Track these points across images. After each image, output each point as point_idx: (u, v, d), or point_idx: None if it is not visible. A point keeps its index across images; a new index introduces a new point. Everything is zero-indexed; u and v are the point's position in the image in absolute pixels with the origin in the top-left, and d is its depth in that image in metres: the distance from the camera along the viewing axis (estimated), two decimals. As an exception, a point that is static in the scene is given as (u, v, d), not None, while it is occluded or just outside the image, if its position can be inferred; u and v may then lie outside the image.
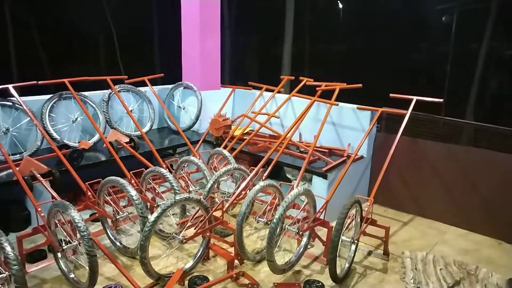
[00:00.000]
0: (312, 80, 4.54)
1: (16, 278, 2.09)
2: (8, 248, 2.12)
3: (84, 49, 8.09)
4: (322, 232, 3.20)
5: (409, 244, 3.55)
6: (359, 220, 3.08)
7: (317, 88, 4.19)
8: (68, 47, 7.64)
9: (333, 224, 2.83)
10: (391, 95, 3.79)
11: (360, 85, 3.97)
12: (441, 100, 3.78)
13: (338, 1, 16.13)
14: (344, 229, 2.82)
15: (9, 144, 3.75)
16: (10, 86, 3.58)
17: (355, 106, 4.19)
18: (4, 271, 2.19)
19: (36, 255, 3.03)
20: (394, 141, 3.47)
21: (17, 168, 3.04)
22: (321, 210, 3.10)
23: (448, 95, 11.21)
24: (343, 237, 2.82)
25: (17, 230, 3.35)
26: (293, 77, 5.00)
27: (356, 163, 4.03)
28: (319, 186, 3.75)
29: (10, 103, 3.75)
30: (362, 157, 4.19)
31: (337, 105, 3.96)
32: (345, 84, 4.13)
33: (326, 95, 4.11)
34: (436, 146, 3.93)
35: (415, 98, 3.71)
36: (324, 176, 3.72)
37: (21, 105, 3.62)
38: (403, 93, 3.77)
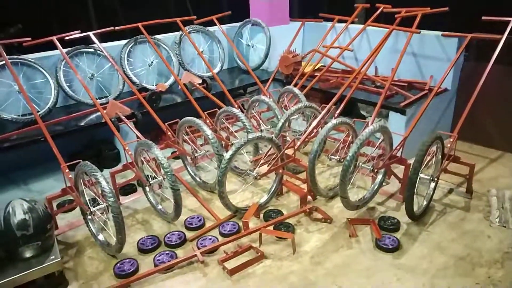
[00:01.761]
0: (390, 6, 4.14)
1: (113, 209, 2.35)
2: (104, 183, 2.37)
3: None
4: (399, 169, 3.09)
5: (496, 182, 3.30)
6: (440, 157, 2.90)
7: (396, 16, 3.82)
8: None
9: (411, 161, 2.70)
10: (483, 17, 3.33)
11: (447, 8, 3.53)
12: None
13: None
14: (423, 166, 2.69)
15: (95, 88, 4.05)
16: (91, 34, 3.78)
17: (439, 33, 3.77)
18: (102, 202, 2.48)
19: (128, 189, 3.37)
20: (484, 70, 3.11)
21: (105, 111, 3.30)
22: (398, 147, 2.96)
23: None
24: (421, 175, 2.70)
25: (109, 166, 3.72)
26: (368, 5, 4.59)
27: (439, 96, 3.72)
28: (396, 122, 3.56)
29: (93, 50, 3.99)
30: (446, 89, 3.85)
31: (419, 32, 3.59)
32: (429, 8, 3.70)
33: (406, 23, 3.74)
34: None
35: (513, 19, 3.24)
36: (402, 111, 3.51)
37: (102, 51, 3.84)
38: (497, 15, 3.29)
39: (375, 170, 2.84)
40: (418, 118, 3.14)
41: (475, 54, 3.81)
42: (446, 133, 3.04)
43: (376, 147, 2.96)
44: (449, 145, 2.92)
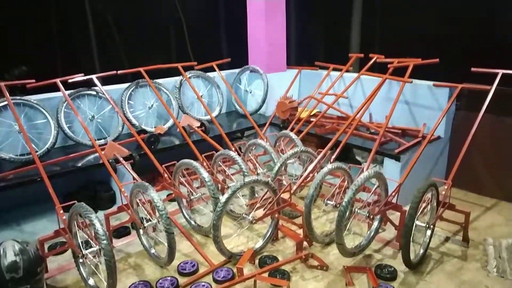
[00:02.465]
0: (383, 56, 4.31)
1: (105, 252, 2.31)
2: (98, 225, 2.35)
3: (157, 38, 8.51)
4: (395, 216, 3.09)
5: (492, 230, 3.29)
6: (435, 204, 2.91)
7: (389, 65, 3.97)
8: (143, 37, 8.09)
9: (407, 208, 2.71)
10: (472, 69, 3.48)
11: (437, 60, 3.69)
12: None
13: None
14: (418, 213, 2.69)
15: (95, 130, 4.11)
16: (94, 77, 3.90)
17: (431, 83, 3.92)
18: (95, 245, 2.44)
19: (121, 231, 3.33)
20: (476, 119, 3.20)
21: (103, 152, 3.33)
22: (393, 193, 2.98)
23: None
24: (417, 222, 2.70)
25: (104, 208, 3.70)
26: (362, 55, 4.79)
27: (432, 144, 3.79)
28: (391, 168, 3.60)
29: (94, 92, 4.09)
30: (439, 137, 3.93)
31: (411, 82, 3.73)
32: (420, 59, 3.87)
33: (399, 72, 3.89)
34: (527, 124, 3.55)
35: (501, 71, 3.38)
36: (396, 158, 3.56)
37: (103, 94, 3.94)
38: (486, 67, 3.44)
39: (371, 217, 2.84)
40: (413, 165, 3.18)
41: (466, 103, 3.92)
42: (441, 180, 3.07)
43: (372, 193, 2.98)
44: (443, 192, 2.94)
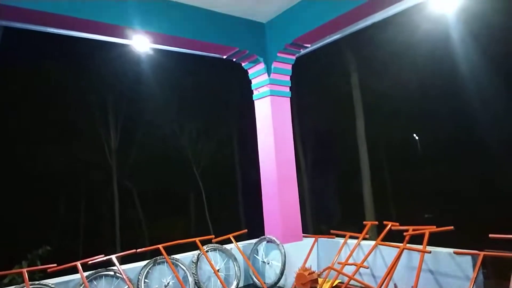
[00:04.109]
0: (397, 224, 4.36)
1: None
2: None
3: (178, 208, 8.92)
4: None
5: None
6: None
7: (405, 233, 3.99)
8: (164, 208, 8.50)
9: None
10: (490, 235, 3.46)
11: (452, 227, 3.71)
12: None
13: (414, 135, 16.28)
14: None
15: (108, 313, 3.95)
16: (113, 257, 3.98)
17: (451, 250, 3.84)
18: None
19: None
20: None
21: None
22: None
23: None
24: None
25: None
26: (376, 222, 4.85)
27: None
28: None
29: (112, 273, 4.09)
30: (473, 310, 3.63)
31: (430, 252, 3.68)
32: (435, 227, 3.89)
33: (416, 239, 3.87)
34: None
35: (520, 237, 3.35)
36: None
37: (121, 273, 3.94)
38: (507, 229, 3.44)
39: None
40: None
41: (493, 271, 3.75)
42: None
43: None
44: None
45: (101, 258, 3.91)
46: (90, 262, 3.85)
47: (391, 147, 15.04)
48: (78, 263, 3.71)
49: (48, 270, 3.61)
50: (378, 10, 4.39)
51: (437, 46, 11.53)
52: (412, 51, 11.82)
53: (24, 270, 3.44)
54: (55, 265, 3.63)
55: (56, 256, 3.78)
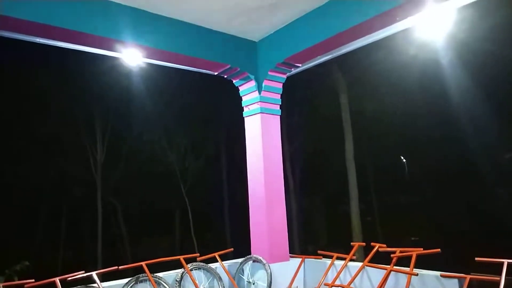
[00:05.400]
0: (384, 245, 4.34)
1: None
2: None
3: (163, 226, 8.76)
4: None
5: None
6: None
7: (392, 255, 3.96)
8: (149, 225, 8.34)
9: None
10: (476, 259, 3.46)
11: (438, 250, 3.71)
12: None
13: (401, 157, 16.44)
14: None
15: (86, 333, 3.80)
16: (94, 274, 3.85)
17: (438, 273, 3.82)
18: None
19: None
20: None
21: None
22: None
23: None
24: None
25: None
26: (364, 243, 4.82)
27: None
28: None
29: (92, 291, 3.96)
30: (460, 335, 3.58)
31: (417, 275, 3.65)
32: (422, 249, 3.88)
33: (403, 261, 3.84)
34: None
35: (506, 261, 3.34)
36: None
37: (101, 291, 3.81)
38: (492, 252, 3.44)
39: None
40: None
41: (480, 294, 3.73)
42: None
43: None
44: None
45: (81, 274, 3.78)
46: (69, 278, 3.72)
47: (379, 169, 15.15)
48: (57, 279, 3.58)
49: (25, 286, 3.46)
50: (368, 33, 4.48)
51: (426, 70, 11.82)
52: (401, 75, 12.08)
53: (0, 285, 3.30)
54: (32, 280, 3.49)
55: (35, 271, 3.63)
